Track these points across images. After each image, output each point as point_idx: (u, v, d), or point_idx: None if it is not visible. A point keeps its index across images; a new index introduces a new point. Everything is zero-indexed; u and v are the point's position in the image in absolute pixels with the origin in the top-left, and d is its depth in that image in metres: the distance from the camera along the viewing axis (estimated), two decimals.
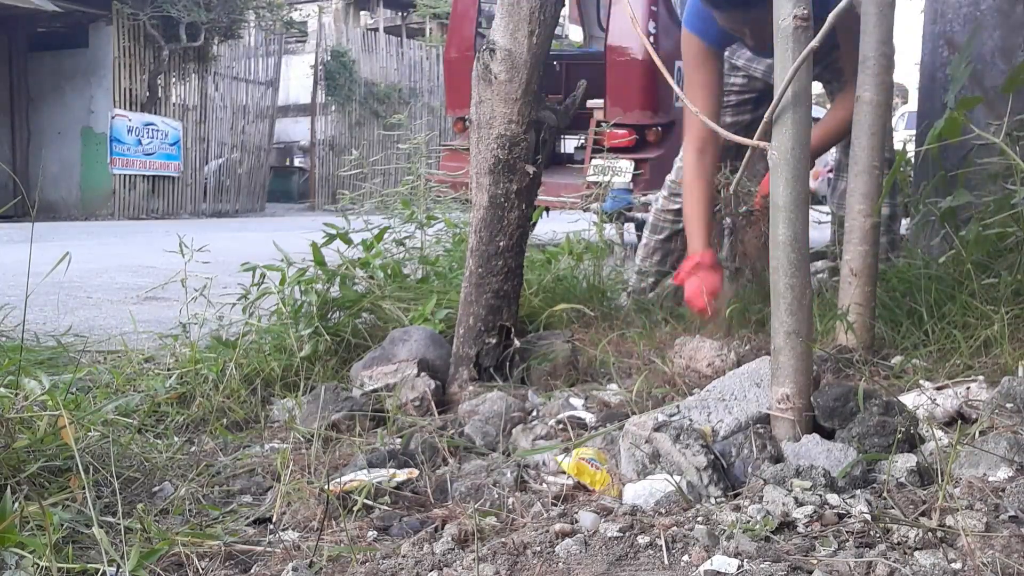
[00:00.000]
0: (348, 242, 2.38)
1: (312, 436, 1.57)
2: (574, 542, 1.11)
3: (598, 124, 5.90)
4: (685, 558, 1.06)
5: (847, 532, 1.09)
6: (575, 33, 14.98)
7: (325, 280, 2.22)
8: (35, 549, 1.05)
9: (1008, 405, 1.51)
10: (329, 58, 16.46)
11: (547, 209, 5.81)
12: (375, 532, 1.22)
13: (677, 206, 2.88)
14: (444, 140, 9.62)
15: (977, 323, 1.95)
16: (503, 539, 1.13)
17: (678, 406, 1.49)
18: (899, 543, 1.07)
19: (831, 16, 1.35)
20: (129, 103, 12.48)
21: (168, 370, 1.99)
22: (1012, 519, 1.14)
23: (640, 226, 4.69)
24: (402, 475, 1.38)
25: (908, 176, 3.11)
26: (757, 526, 1.11)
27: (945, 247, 2.31)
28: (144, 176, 12.80)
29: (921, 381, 1.76)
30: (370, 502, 1.29)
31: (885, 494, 1.22)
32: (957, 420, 1.55)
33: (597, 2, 7.77)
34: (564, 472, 1.39)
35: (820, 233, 3.05)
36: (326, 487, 1.28)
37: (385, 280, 2.31)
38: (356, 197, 2.76)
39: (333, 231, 2.37)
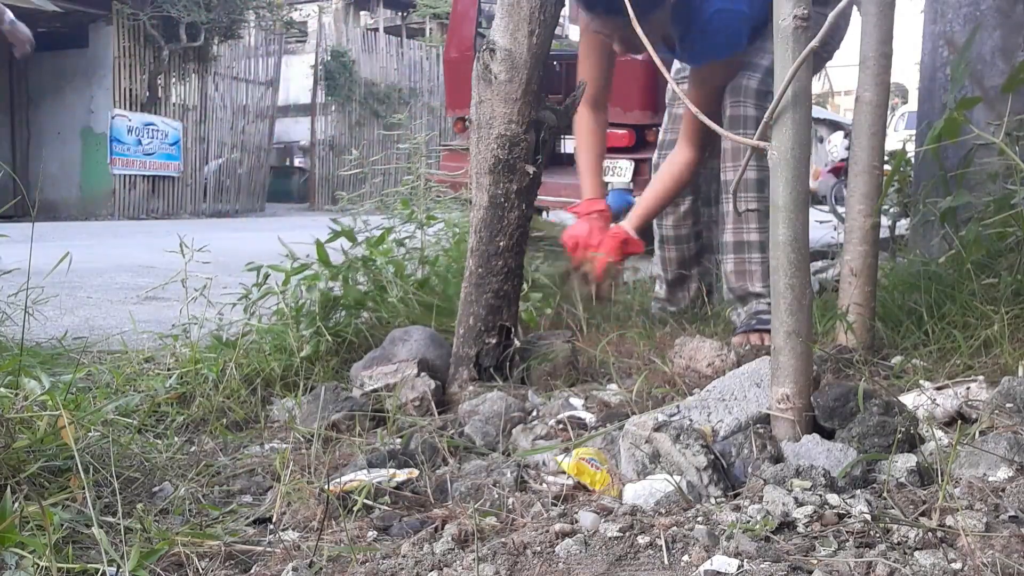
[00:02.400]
0: (353, 240, 2.37)
1: (312, 436, 1.57)
2: (574, 542, 1.11)
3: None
4: (685, 558, 1.06)
5: (847, 532, 1.09)
6: (575, 33, 14.98)
7: (329, 277, 2.22)
8: (35, 549, 1.05)
9: (1008, 405, 1.51)
10: (329, 58, 16.47)
11: (547, 209, 5.80)
12: (375, 532, 1.22)
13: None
14: (444, 140, 9.61)
15: (977, 323, 1.95)
16: (503, 539, 1.13)
17: (678, 406, 1.49)
18: (899, 543, 1.07)
19: (831, 16, 1.35)
20: (129, 103, 12.50)
21: (168, 370, 1.99)
22: (1012, 519, 1.14)
23: None
24: (402, 475, 1.38)
25: (908, 176, 3.11)
26: (757, 526, 1.11)
27: (945, 247, 2.31)
28: (144, 176, 12.81)
29: (921, 381, 1.76)
30: (370, 502, 1.28)
31: (885, 494, 1.22)
32: (957, 420, 1.55)
33: None
34: (564, 472, 1.39)
35: (820, 233, 3.05)
36: (326, 487, 1.28)
37: (393, 278, 2.31)
38: (355, 197, 2.76)
39: (339, 228, 2.36)
